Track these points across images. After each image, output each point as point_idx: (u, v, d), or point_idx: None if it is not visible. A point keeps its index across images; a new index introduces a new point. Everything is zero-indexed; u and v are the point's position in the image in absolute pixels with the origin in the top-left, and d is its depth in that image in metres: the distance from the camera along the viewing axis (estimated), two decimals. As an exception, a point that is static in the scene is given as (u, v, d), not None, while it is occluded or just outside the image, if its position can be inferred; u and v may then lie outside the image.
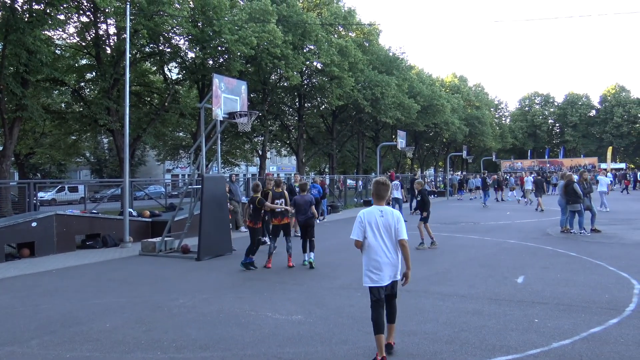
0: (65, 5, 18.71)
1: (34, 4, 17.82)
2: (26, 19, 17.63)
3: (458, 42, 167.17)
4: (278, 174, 60.98)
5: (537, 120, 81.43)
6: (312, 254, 9.98)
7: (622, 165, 64.07)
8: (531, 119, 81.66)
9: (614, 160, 71.33)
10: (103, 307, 7.07)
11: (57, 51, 22.87)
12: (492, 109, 76.03)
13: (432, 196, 34.98)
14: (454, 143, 57.33)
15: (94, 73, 24.56)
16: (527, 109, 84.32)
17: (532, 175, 28.79)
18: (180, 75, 27.79)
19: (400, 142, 28.27)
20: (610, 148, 67.03)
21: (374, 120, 38.65)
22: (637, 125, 73.47)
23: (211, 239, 11.40)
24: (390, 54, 39.81)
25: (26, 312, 6.87)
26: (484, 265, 9.75)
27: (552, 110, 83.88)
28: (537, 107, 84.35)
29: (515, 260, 10.21)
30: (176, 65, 26.98)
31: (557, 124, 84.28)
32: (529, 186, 26.10)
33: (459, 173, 52.08)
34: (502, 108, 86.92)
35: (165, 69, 27.33)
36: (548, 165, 67.11)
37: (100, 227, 13.77)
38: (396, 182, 19.88)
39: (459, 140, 54.01)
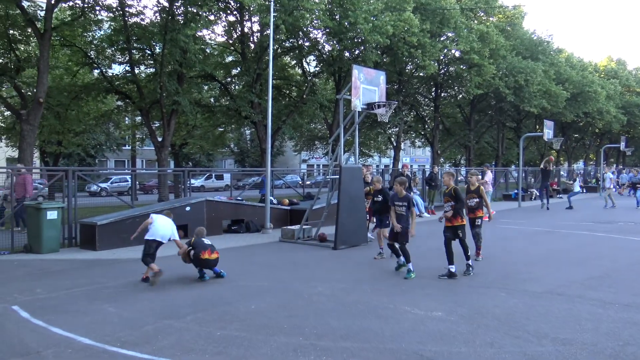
0: (215, 6, 20.16)
1: (188, 6, 19.42)
2: (181, 21, 19.33)
3: (613, 22, 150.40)
4: (411, 166, 60.22)
5: None
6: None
7: None
8: None
9: None
10: (247, 289, 7.46)
11: (207, 50, 24.74)
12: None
13: (582, 191, 32.05)
14: (609, 133, 51.81)
15: (239, 69, 26.16)
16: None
17: None
18: (317, 68, 28.51)
19: (548, 132, 26.11)
20: None
21: (516, 109, 36.27)
22: None
23: (347, 228, 11.52)
24: (535, 37, 37.00)
25: (182, 290, 7.48)
26: (651, 272, 8.63)
27: None
28: None
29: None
30: (314, 58, 27.73)
31: None
32: None
33: (615, 167, 47.03)
34: (669, 94, 76.60)
35: (304, 62, 28.24)
36: None
37: (244, 213, 14.64)
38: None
39: (614, 130, 48.66)
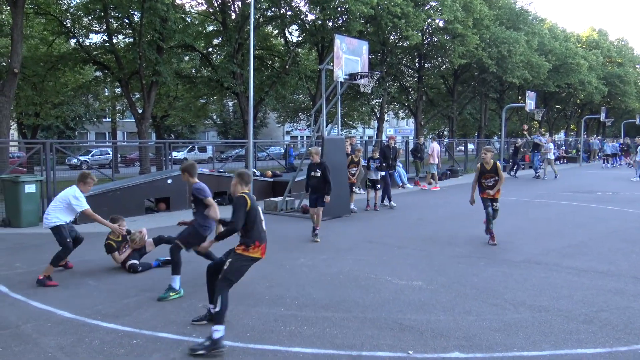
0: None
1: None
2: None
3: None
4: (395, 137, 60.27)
5: (693, 78, 71.40)
6: None
7: None
8: (685, 76, 71.78)
9: None
10: (230, 261, 7.46)
11: (187, 18, 24.20)
12: (637, 66, 67.91)
13: (561, 162, 32.50)
14: (590, 105, 52.25)
15: (220, 38, 25.67)
16: (681, 65, 74.13)
17: None
18: (300, 38, 28.11)
19: (530, 103, 26.25)
20: None
21: (499, 80, 36.28)
22: None
23: (331, 200, 11.52)
24: (518, 7, 36.81)
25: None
26: (626, 240, 8.81)
27: None
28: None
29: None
30: (296, 28, 27.30)
31: None
32: None
33: (594, 137, 47.67)
34: (650, 64, 77.27)
35: (286, 32, 27.79)
36: None
37: (226, 185, 14.52)
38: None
39: (595, 101, 49.02)
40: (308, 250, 8.17)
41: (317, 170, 9.31)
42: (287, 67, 26.06)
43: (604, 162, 30.74)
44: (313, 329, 4.78)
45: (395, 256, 7.74)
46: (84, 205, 6.62)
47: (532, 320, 4.95)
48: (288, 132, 61.30)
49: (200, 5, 25.64)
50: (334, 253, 7.99)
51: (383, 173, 13.19)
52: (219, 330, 4.26)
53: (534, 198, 14.93)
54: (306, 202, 12.46)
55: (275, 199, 13.22)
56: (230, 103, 47.56)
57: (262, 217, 4.87)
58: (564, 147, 39.69)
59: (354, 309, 5.30)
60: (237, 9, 24.07)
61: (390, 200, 13.27)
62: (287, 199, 12.75)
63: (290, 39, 28.61)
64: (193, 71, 28.72)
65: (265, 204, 12.94)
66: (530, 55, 33.25)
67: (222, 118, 52.79)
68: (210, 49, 27.17)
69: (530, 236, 9.26)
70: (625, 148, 29.12)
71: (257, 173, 16.49)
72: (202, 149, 40.58)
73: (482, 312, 5.19)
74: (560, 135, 59.97)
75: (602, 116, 36.80)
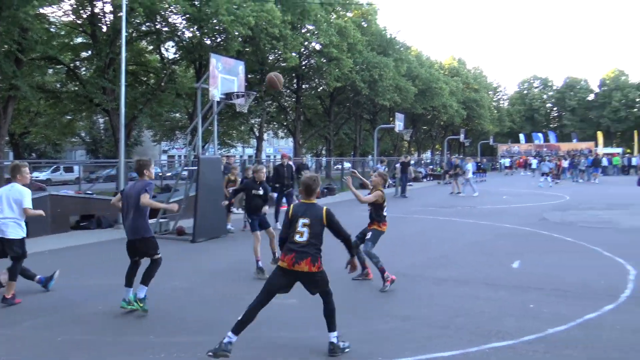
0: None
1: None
2: (20, -4, 17.35)
3: (457, 24, 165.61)
4: (275, 156, 60.86)
5: (535, 104, 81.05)
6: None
7: (619, 150, 63.96)
8: (529, 102, 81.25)
9: (611, 145, 71.35)
10: (97, 289, 7.03)
11: (51, 29, 22.56)
12: (490, 92, 75.68)
13: (427, 179, 35.02)
14: (452, 126, 57.16)
15: (89, 52, 24.25)
16: (525, 92, 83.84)
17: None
18: (177, 55, 27.48)
19: (398, 124, 28.15)
20: (599, 133, 67.18)
21: (372, 102, 38.42)
22: (635, 109, 73.20)
23: (206, 220, 11.34)
24: (388, 35, 39.41)
25: (20, 294, 6.81)
26: (481, 251, 9.74)
27: (550, 94, 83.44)
28: (536, 90, 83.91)
29: (512, 245, 10.21)
30: (173, 44, 26.66)
31: (555, 108, 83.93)
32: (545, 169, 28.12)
33: (456, 156, 52.05)
34: (501, 91, 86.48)
35: (162, 48, 27.01)
36: (545, 149, 66.93)
37: (95, 207, 13.68)
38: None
39: (456, 123, 53.83)
40: (183, 273, 7.95)
41: (260, 189, 8.47)
42: (162, 84, 25.30)
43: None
44: (185, 354, 4.67)
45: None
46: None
47: (397, 329, 5.28)
48: (165, 151, 59.18)
49: (67, 15, 24.03)
50: (210, 275, 7.87)
51: (275, 194, 13.11)
52: (230, 337, 4.56)
53: (405, 214, 15.92)
54: (181, 223, 12.15)
55: (149, 221, 12.67)
56: (101, 120, 44.87)
57: (302, 228, 4.74)
58: (431, 166, 42.78)
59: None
60: (108, 22, 22.94)
61: (277, 222, 13.08)
62: (161, 220, 12.30)
63: (166, 55, 27.85)
64: (58, 85, 26.73)
65: (138, 227, 12.35)
66: (399, 80, 35.66)
67: (91, 136, 49.56)
68: (78, 63, 25.52)
69: (399, 250, 9.85)
70: (455, 167, 29.03)
71: (130, 194, 15.72)
72: (69, 169, 37.69)
73: (351, 325, 5.42)
74: (427, 155, 64.61)
75: (462, 137, 40.35)
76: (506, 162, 52.43)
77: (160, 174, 29.19)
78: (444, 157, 42.24)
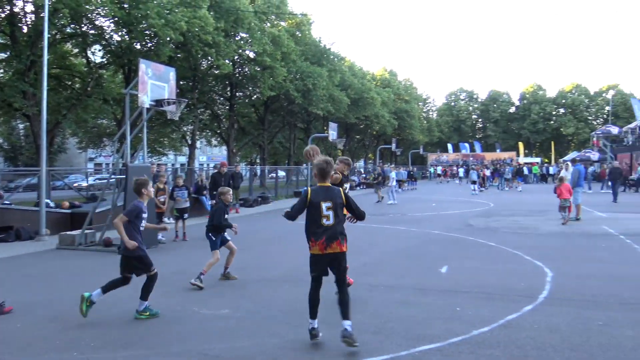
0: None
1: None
2: None
3: (389, 37, 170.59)
4: (208, 164, 59.90)
5: (462, 115, 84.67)
6: None
7: (538, 160, 68.01)
8: (457, 113, 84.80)
9: (531, 154, 75.74)
10: (15, 305, 6.60)
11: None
12: (420, 103, 78.31)
13: (361, 187, 35.64)
14: (384, 136, 58.60)
15: (7, 53, 22.87)
16: (452, 104, 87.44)
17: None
18: (104, 59, 26.45)
19: (332, 134, 28.48)
20: (520, 143, 71.28)
21: (306, 111, 38.68)
22: (551, 122, 78.10)
23: (136, 231, 10.95)
24: (322, 45, 39.89)
25: None
26: (411, 256, 10.02)
27: (475, 106, 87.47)
28: (462, 102, 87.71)
29: (440, 251, 10.58)
30: (100, 48, 25.65)
31: (480, 119, 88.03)
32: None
33: (388, 165, 53.32)
34: (430, 102, 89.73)
35: (89, 51, 25.92)
36: (471, 159, 70.03)
37: (13, 219, 12.90)
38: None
39: (388, 133, 55.25)
40: (109, 286, 7.62)
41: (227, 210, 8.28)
42: (89, 89, 24.27)
43: (398, 187, 34.52)
44: (110, 370, 4.48)
45: (204, 286, 7.64)
46: None
47: (329, 336, 5.30)
48: (91, 159, 56.73)
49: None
50: (137, 288, 7.57)
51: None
52: (311, 323, 5.07)
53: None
54: (109, 234, 11.67)
55: (73, 232, 12.08)
56: (21, 125, 42.39)
57: (327, 212, 4.96)
58: (364, 175, 43.59)
59: (156, 345, 5.09)
60: (29, 23, 21.75)
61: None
62: (86, 231, 11.75)
63: (92, 59, 26.74)
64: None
65: (61, 239, 11.74)
66: (332, 90, 36.15)
67: (10, 142, 46.66)
68: (-6, 65, 23.99)
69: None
70: (378, 175, 29.74)
71: (52, 204, 14.96)
72: (-16, 178, 35.25)
73: (285, 334, 5.40)
74: (361, 163, 65.79)
75: (393, 146, 41.40)
76: (438, 169, 54.54)
77: (85, 184, 27.90)
78: (376, 166, 43.17)
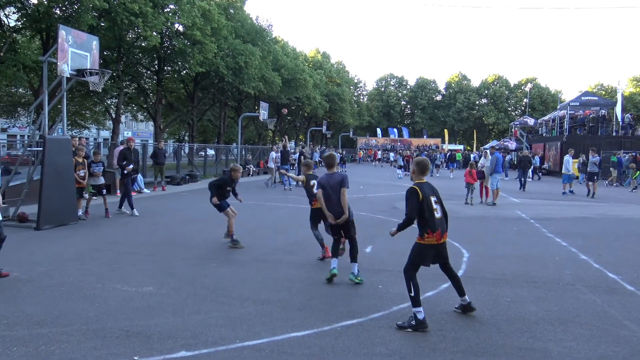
0: None
1: None
2: None
3: (322, 18, 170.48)
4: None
5: (391, 101, 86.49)
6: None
7: (461, 147, 71.05)
8: (386, 99, 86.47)
9: (455, 142, 78.91)
10: None
11: None
12: (352, 87, 79.11)
13: (292, 168, 35.71)
14: (315, 118, 58.83)
15: None
16: (382, 89, 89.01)
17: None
18: (19, 23, 24.62)
19: (263, 113, 28.30)
20: (446, 130, 74.19)
21: (237, 90, 38.03)
22: (474, 111, 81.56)
23: (53, 206, 10.45)
24: (257, 24, 39.18)
25: None
26: (337, 236, 10.22)
27: (404, 92, 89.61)
28: (392, 88, 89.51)
29: (365, 231, 10.85)
30: (15, 10, 23.84)
31: (408, 106, 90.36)
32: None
33: (319, 147, 53.74)
34: (361, 87, 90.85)
35: (1, 13, 24.02)
36: (399, 144, 71.93)
37: None
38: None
39: (319, 115, 55.48)
40: (24, 263, 7.28)
41: (234, 185, 9.26)
42: (1, 54, 22.56)
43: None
44: (25, 348, 4.31)
45: (126, 263, 7.47)
46: None
47: (256, 313, 5.38)
48: (4, 130, 53.03)
49: None
50: (57, 264, 7.29)
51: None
52: (420, 312, 5.05)
53: (265, 202, 16.11)
54: (24, 209, 11.06)
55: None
56: None
57: (435, 205, 5.37)
58: (294, 156, 43.63)
59: (75, 322, 4.94)
60: None
61: (132, 209, 12.50)
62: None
63: (6, 22, 24.82)
64: None
65: (-31, 213, 10.97)
66: (265, 71, 35.70)
67: None
68: None
69: (261, 236, 10.00)
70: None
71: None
72: None
73: (210, 311, 5.41)
74: (292, 145, 65.81)
75: (324, 129, 41.72)
76: (369, 154, 55.84)
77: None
78: (307, 148, 43.37)
